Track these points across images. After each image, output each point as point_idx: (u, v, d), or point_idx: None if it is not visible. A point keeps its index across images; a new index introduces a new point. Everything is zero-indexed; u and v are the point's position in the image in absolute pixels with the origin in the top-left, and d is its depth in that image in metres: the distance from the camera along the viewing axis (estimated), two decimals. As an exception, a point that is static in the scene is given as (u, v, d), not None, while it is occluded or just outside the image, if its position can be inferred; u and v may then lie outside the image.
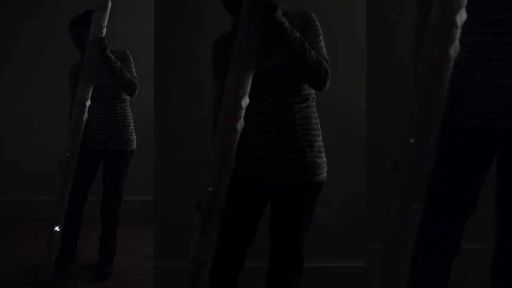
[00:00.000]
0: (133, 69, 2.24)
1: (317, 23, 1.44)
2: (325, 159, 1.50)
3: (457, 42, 1.10)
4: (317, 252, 2.20)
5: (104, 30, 2.08)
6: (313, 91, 1.48)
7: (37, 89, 3.24)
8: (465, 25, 1.26)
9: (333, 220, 2.26)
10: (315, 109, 1.50)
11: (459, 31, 1.10)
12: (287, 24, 1.28)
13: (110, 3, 2.09)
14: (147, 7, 2.79)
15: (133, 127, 2.33)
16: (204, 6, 2.18)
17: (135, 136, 2.34)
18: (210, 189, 1.34)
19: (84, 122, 2.13)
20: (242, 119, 1.32)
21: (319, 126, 1.49)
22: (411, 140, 1.15)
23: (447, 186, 1.35)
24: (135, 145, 2.35)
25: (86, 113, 2.12)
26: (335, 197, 2.21)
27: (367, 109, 2.18)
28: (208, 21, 2.14)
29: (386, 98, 2.19)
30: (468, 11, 1.19)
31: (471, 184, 1.36)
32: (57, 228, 2.13)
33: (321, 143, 1.50)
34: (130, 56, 2.26)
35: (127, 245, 2.67)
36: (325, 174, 1.51)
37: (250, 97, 1.35)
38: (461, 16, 1.09)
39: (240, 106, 1.30)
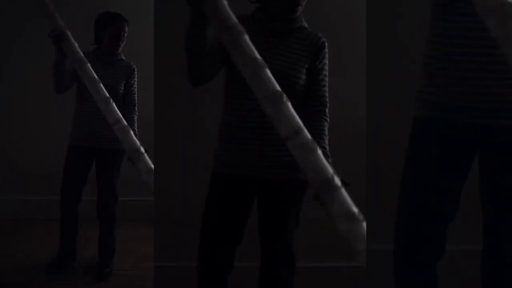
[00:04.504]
0: (135, 89, 2.34)
1: (327, 52, 1.54)
2: None
3: None
4: (316, 252, 2.21)
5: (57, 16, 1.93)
6: None
7: (37, 89, 3.23)
8: (446, 22, 1.26)
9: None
10: None
11: None
12: None
13: None
14: (147, 7, 2.79)
15: None
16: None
17: None
18: None
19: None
20: None
21: None
22: None
23: (425, 185, 1.34)
24: None
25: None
26: (335, 197, 2.20)
27: (367, 109, 2.18)
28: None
29: (386, 98, 2.19)
30: (453, 7, 1.19)
31: (450, 183, 1.34)
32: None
33: None
34: (135, 74, 2.34)
35: (127, 245, 2.67)
36: None
37: (247, 96, 1.36)
38: None
39: None
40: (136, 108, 2.33)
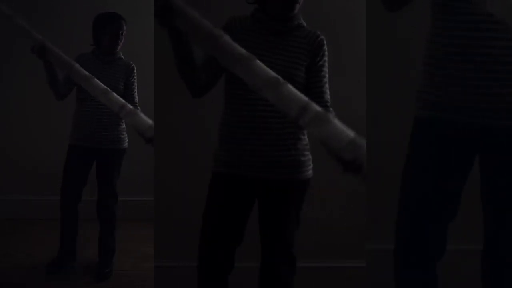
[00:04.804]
0: (135, 88, 2.33)
1: (326, 50, 1.54)
2: (310, 157, 1.54)
3: None
4: (316, 252, 2.21)
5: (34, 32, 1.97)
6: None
7: (37, 89, 3.22)
8: (446, 22, 1.26)
9: (333, 220, 2.26)
10: None
11: None
12: None
13: None
14: (147, 7, 2.78)
15: (124, 126, 2.34)
16: (204, 6, 2.17)
17: (126, 135, 2.36)
18: None
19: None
20: None
21: None
22: None
23: (425, 185, 1.34)
24: (126, 144, 2.36)
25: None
26: (335, 197, 2.21)
27: (367, 109, 2.18)
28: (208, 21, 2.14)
29: (386, 98, 2.19)
30: (453, 7, 1.19)
31: (450, 183, 1.34)
32: None
33: (306, 141, 1.53)
34: (135, 73, 2.34)
35: (127, 245, 2.67)
36: (310, 171, 1.54)
37: (247, 96, 1.36)
38: None
39: None
40: (136, 106, 2.33)
